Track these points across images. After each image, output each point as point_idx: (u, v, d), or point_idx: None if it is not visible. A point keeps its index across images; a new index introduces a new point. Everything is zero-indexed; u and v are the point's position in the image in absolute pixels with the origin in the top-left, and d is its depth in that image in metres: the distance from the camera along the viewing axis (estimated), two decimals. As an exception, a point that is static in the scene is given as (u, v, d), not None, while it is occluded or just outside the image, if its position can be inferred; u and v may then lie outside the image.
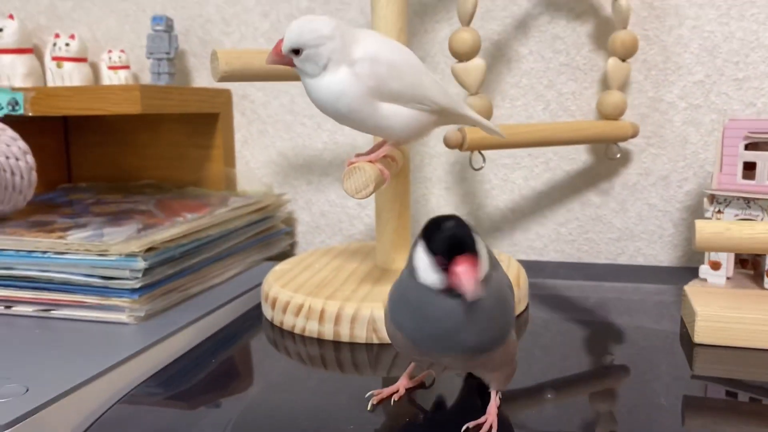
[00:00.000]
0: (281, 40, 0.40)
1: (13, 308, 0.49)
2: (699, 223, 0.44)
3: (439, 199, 0.70)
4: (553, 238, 0.68)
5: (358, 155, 0.43)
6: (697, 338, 0.42)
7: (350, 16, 0.68)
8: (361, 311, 0.43)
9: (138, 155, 0.75)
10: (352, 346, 0.43)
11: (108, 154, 0.76)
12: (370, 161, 0.41)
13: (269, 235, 0.68)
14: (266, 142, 0.73)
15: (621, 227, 0.66)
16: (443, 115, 0.43)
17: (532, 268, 0.62)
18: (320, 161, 0.72)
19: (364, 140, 0.69)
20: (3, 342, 0.44)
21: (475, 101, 0.55)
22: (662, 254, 0.65)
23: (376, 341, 0.43)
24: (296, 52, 0.39)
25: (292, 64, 0.40)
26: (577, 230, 0.67)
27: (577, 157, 0.66)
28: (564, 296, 0.55)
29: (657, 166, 0.64)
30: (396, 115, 0.41)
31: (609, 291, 0.56)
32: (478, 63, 0.54)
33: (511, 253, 0.69)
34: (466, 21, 0.54)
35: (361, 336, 0.43)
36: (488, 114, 0.55)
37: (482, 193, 0.68)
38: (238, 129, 0.74)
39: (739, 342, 0.42)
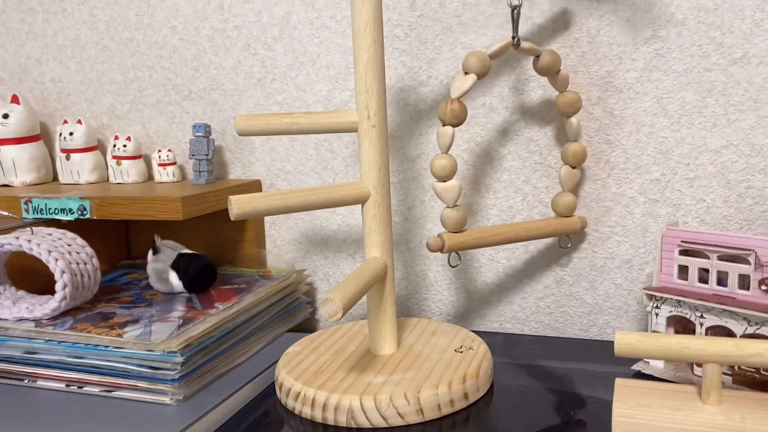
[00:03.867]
0: None
1: (84, 388, 0.63)
2: (618, 335, 0.54)
3: (436, 274, 0.81)
4: (534, 311, 0.78)
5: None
6: (614, 430, 0.52)
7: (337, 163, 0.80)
8: (342, 402, 0.55)
9: (185, 236, 0.89)
10: (337, 428, 0.55)
11: (161, 234, 0.91)
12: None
13: (292, 308, 0.80)
14: (290, 223, 0.86)
15: (591, 303, 0.75)
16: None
17: (510, 340, 0.73)
18: (335, 240, 0.84)
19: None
20: (78, 418, 0.58)
21: (452, 213, 0.65)
22: (627, 327, 0.74)
23: (354, 426, 0.55)
24: None
25: None
26: (554, 304, 0.77)
27: (552, 241, 0.75)
28: (534, 370, 0.65)
29: (621, 251, 0.73)
30: None
31: (577, 365, 0.65)
32: (454, 184, 0.65)
33: (498, 323, 0.79)
34: (445, 149, 0.64)
35: (342, 421, 0.55)
36: (462, 223, 0.66)
37: (472, 271, 0.79)
38: (267, 213, 0.87)
39: (647, 434, 0.51)
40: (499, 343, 0.72)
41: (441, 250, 0.66)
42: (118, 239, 0.92)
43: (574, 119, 0.67)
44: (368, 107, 0.59)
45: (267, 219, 0.87)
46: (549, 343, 0.72)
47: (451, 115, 0.64)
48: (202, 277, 0.75)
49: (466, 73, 0.64)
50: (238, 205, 0.55)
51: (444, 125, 0.64)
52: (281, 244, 0.87)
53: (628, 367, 0.64)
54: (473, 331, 0.77)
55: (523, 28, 0.72)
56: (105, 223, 0.89)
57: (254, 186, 0.85)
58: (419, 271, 0.81)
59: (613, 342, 0.71)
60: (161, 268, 0.75)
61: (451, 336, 0.67)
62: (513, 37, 0.64)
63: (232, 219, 0.56)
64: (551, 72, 0.66)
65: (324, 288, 0.86)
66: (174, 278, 0.74)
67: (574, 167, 0.69)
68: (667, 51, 0.68)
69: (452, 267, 0.72)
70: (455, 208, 0.66)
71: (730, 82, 0.66)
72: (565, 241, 0.74)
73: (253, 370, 0.67)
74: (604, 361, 0.66)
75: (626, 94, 0.70)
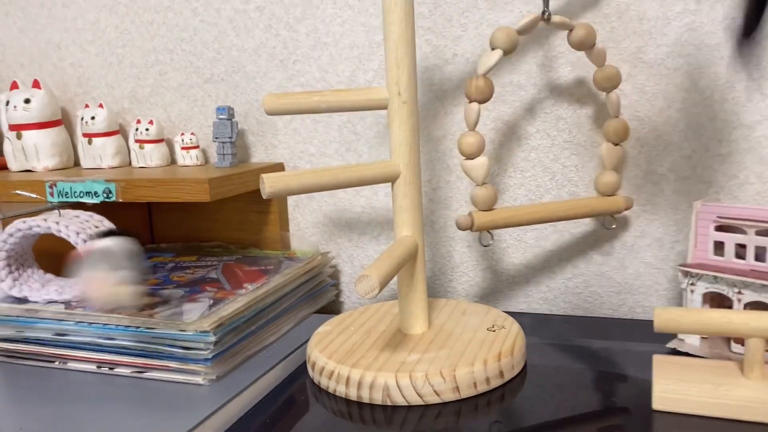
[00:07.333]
0: None
1: (115, 369, 0.63)
2: (657, 310, 0.53)
3: (462, 255, 0.80)
4: (562, 291, 0.77)
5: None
6: (655, 405, 0.52)
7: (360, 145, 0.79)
8: (377, 379, 0.54)
9: (208, 219, 0.89)
10: (371, 406, 0.55)
11: (184, 218, 0.90)
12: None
13: (318, 290, 0.80)
14: (314, 206, 0.86)
15: (621, 282, 0.74)
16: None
17: (540, 320, 0.72)
18: (359, 222, 0.84)
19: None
20: (110, 399, 0.58)
21: (481, 191, 0.65)
22: (658, 306, 0.73)
23: (389, 404, 0.54)
24: None
25: None
26: (582, 284, 0.76)
27: (581, 220, 0.75)
28: (565, 349, 0.64)
29: (651, 230, 0.72)
30: None
31: (610, 343, 0.65)
32: (482, 161, 0.64)
33: (526, 303, 0.79)
34: (472, 126, 0.64)
35: (378, 399, 0.54)
36: (492, 201, 0.65)
37: (499, 251, 0.78)
38: (291, 196, 0.86)
39: (689, 410, 0.51)
40: (529, 323, 0.71)
41: (470, 228, 0.65)
42: (141, 223, 0.92)
43: (613, 94, 0.66)
44: (399, 83, 0.58)
45: (290, 202, 0.87)
46: (579, 322, 0.71)
47: (477, 91, 0.63)
48: None
49: (493, 49, 0.63)
50: (271, 183, 0.55)
51: (470, 102, 0.63)
52: (305, 227, 0.87)
53: (662, 344, 0.63)
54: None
55: (552, 5, 0.71)
56: (128, 206, 0.89)
57: (277, 169, 0.84)
58: (445, 253, 0.81)
59: (645, 321, 0.70)
60: None
61: (482, 315, 0.67)
62: (543, 12, 0.63)
63: (264, 197, 0.56)
64: (586, 46, 0.64)
65: (348, 271, 0.86)
66: None
67: (616, 144, 0.68)
68: (699, 25, 0.67)
69: (484, 246, 0.71)
70: (484, 185, 0.65)
71: (765, 54, 0.65)
72: (609, 222, 0.72)
73: (283, 351, 0.67)
74: (637, 339, 0.66)
75: (657, 69, 0.69)
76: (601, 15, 0.70)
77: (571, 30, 0.65)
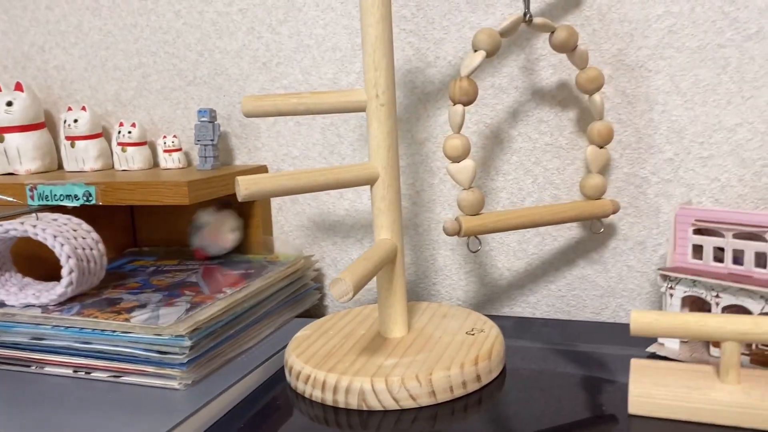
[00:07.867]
0: None
1: (92, 374, 0.62)
2: (634, 314, 0.53)
3: (445, 259, 0.80)
4: (545, 294, 0.77)
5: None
6: (630, 410, 0.51)
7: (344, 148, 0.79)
8: (353, 384, 0.54)
9: (190, 222, 0.89)
10: (347, 411, 0.54)
11: (166, 221, 0.90)
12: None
13: (301, 294, 0.79)
14: (297, 209, 0.85)
15: (604, 286, 0.74)
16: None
17: (522, 324, 0.72)
18: (343, 225, 0.84)
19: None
20: (86, 404, 0.57)
21: (467, 195, 0.64)
22: (641, 309, 0.73)
23: (365, 408, 0.54)
24: None
25: None
26: (565, 287, 0.76)
27: (563, 225, 0.74)
28: (547, 353, 0.64)
29: (634, 233, 0.72)
30: None
31: (591, 347, 0.64)
32: (468, 164, 0.63)
33: (509, 307, 0.78)
34: (457, 129, 0.63)
35: (353, 404, 0.54)
36: (480, 206, 0.65)
37: (482, 254, 0.78)
38: (274, 199, 0.86)
39: (664, 414, 0.50)
40: (511, 327, 0.71)
41: (458, 233, 0.65)
42: (123, 226, 0.92)
43: (597, 96, 0.66)
44: (377, 86, 0.58)
45: (274, 205, 0.86)
46: (561, 326, 0.71)
47: (461, 93, 0.62)
48: None
49: (475, 51, 0.63)
50: (246, 186, 0.54)
51: (454, 104, 0.63)
52: (288, 231, 0.86)
53: (643, 349, 0.63)
54: (484, 315, 0.76)
55: (533, 7, 0.71)
56: (110, 210, 0.88)
57: (260, 171, 0.84)
58: (428, 256, 0.80)
59: (626, 324, 0.70)
60: None
61: (462, 319, 0.66)
62: (525, 14, 0.63)
63: (239, 200, 0.55)
64: (568, 48, 0.64)
65: (332, 274, 0.86)
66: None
67: (600, 147, 0.67)
68: (680, 27, 0.66)
69: (472, 252, 0.71)
70: (471, 189, 0.64)
71: (744, 58, 0.65)
72: (597, 226, 0.71)
73: (262, 355, 0.66)
74: (618, 343, 0.65)
75: (638, 72, 0.69)
76: (582, 17, 0.69)
77: (552, 32, 0.65)
